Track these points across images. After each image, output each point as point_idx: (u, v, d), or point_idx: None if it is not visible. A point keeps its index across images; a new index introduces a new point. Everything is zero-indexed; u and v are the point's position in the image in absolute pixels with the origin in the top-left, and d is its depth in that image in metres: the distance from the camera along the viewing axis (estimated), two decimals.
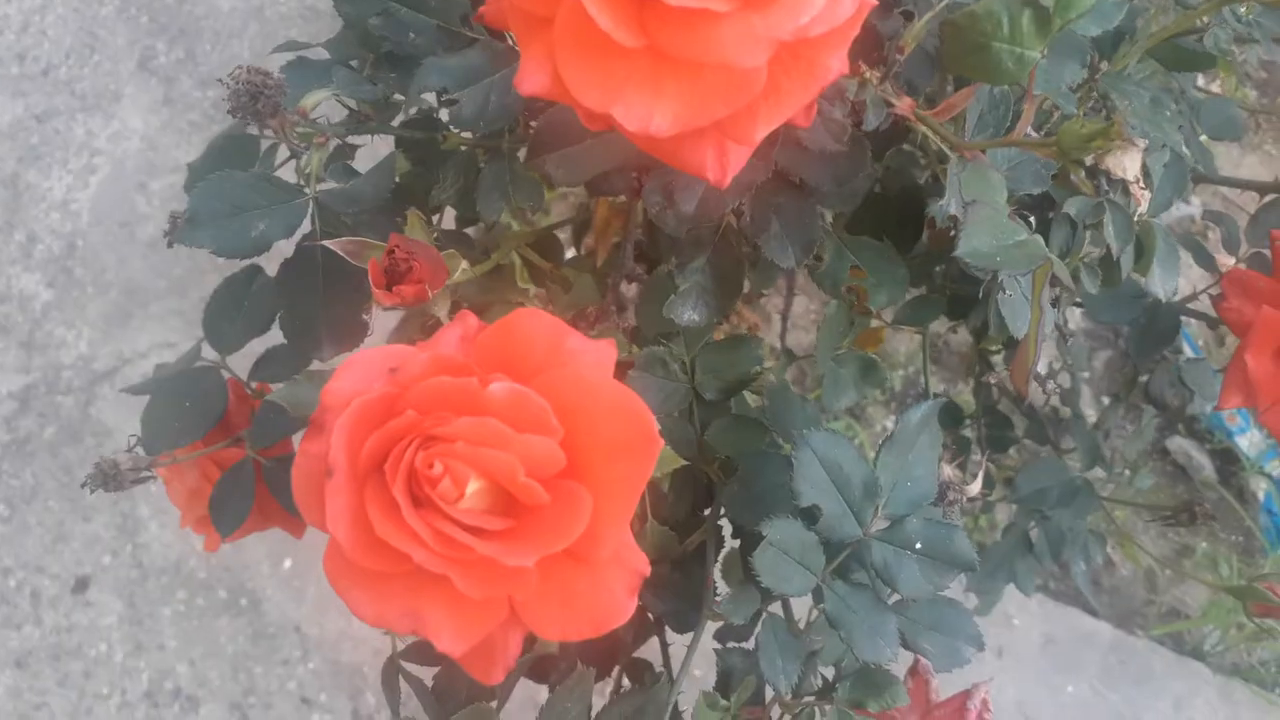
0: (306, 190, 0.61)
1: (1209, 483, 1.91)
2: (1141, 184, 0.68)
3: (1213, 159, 1.00)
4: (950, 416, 0.96)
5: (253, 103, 0.50)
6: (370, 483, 0.38)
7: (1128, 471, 1.18)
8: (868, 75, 0.53)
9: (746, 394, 0.71)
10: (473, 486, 0.38)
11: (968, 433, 0.95)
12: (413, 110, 0.66)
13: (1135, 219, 0.70)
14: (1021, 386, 0.52)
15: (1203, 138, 0.98)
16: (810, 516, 0.60)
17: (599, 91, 0.43)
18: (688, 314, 0.64)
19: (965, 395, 1.47)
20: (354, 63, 0.66)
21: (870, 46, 0.55)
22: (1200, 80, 1.23)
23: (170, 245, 0.60)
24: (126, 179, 1.81)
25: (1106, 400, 1.82)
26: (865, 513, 0.59)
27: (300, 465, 0.39)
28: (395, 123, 0.66)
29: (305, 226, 0.63)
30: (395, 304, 0.58)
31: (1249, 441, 1.92)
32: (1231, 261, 0.89)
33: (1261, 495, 1.94)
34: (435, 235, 0.75)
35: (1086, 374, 1.39)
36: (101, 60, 1.84)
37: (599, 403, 0.42)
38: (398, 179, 0.63)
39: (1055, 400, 1.00)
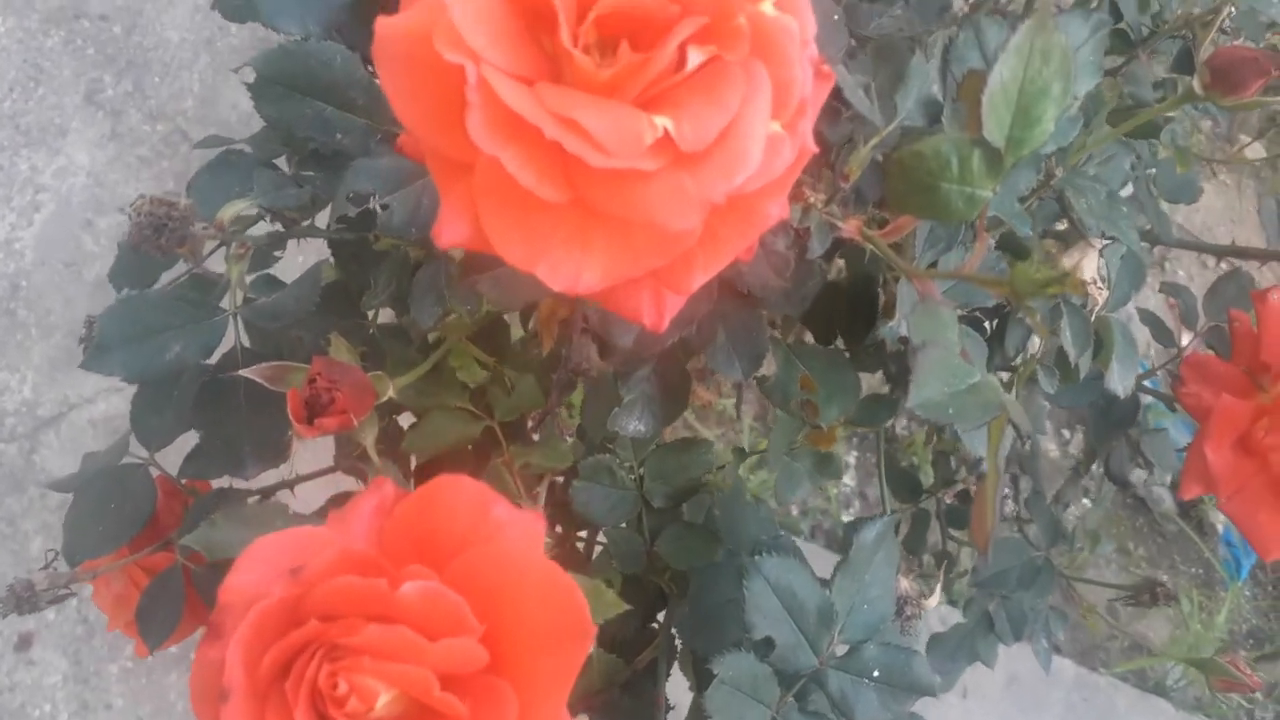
0: (225, 306, 0.57)
1: (1168, 515, 1.91)
2: (1099, 283, 0.66)
3: (1169, 222, 0.98)
4: (907, 489, 0.94)
5: (156, 236, 0.47)
6: (272, 701, 0.35)
7: (1085, 543, 1.16)
8: (812, 200, 0.50)
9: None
10: (383, 700, 0.35)
11: (926, 506, 0.93)
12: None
13: (1092, 317, 0.68)
14: (981, 545, 0.50)
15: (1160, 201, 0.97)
16: (764, 645, 0.57)
17: (523, 247, 0.40)
18: (633, 425, 0.61)
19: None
20: (279, 160, 0.63)
21: (816, 157, 0.52)
22: None
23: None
24: (72, 217, 1.75)
25: (1067, 434, 1.81)
26: (821, 641, 0.57)
27: (198, 675, 0.36)
28: (323, 223, 0.62)
29: (228, 341, 0.60)
30: (317, 436, 0.54)
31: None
32: (1186, 340, 0.88)
33: (1220, 528, 1.94)
34: (371, 330, 0.72)
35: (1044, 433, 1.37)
36: (46, 93, 1.79)
37: (526, 585, 0.39)
38: (327, 283, 0.59)
39: (1014, 467, 0.98)
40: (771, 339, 0.60)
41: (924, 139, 0.44)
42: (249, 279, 0.64)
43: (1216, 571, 1.95)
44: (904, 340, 0.50)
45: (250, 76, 0.59)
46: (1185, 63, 0.70)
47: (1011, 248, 0.60)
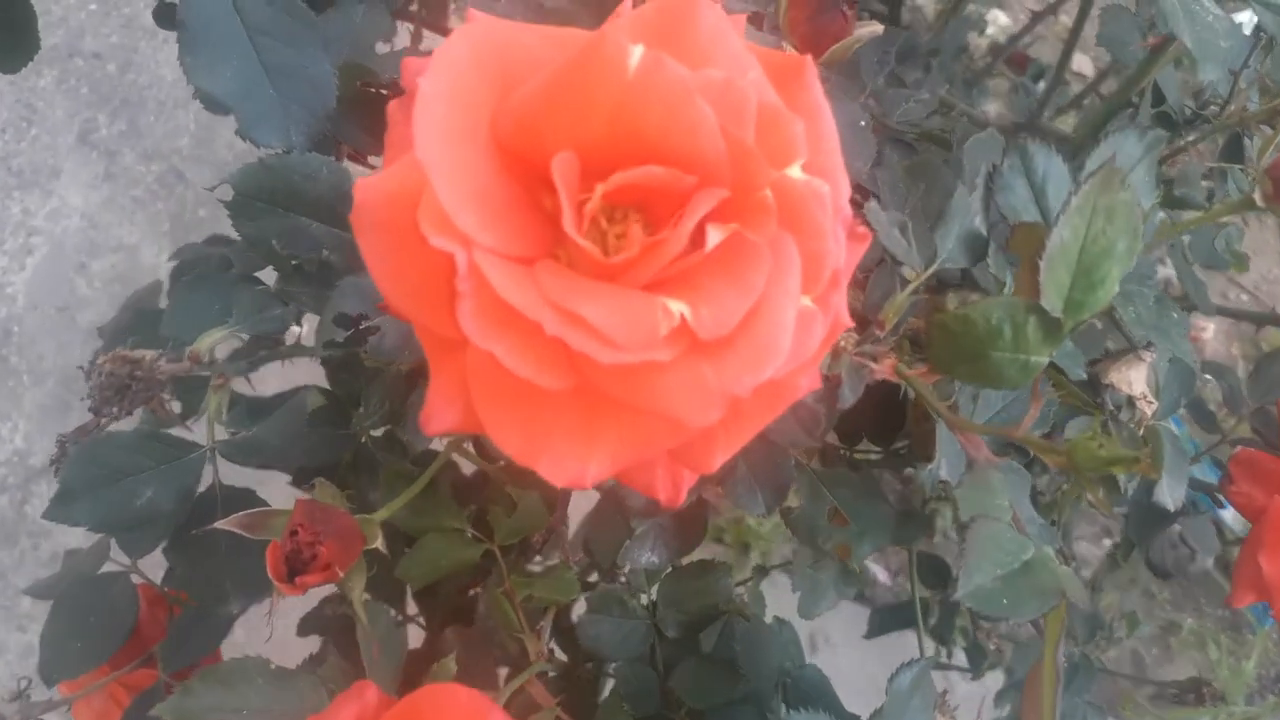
0: (202, 443, 0.53)
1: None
2: (1149, 397, 0.61)
3: (1206, 289, 0.93)
4: (936, 575, 0.89)
5: (119, 399, 0.42)
6: None
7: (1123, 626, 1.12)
8: (843, 344, 0.45)
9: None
10: None
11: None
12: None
13: (1141, 429, 0.63)
14: None
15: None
16: None
17: (522, 439, 0.35)
18: (645, 557, 0.57)
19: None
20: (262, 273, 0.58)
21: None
22: None
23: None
24: (66, 260, 1.71)
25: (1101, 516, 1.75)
26: None
27: None
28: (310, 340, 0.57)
29: (206, 479, 0.55)
30: (302, 594, 0.50)
31: (1234, 516, 1.86)
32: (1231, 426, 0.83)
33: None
34: (364, 439, 0.67)
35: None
36: (39, 134, 1.75)
37: None
38: (313, 410, 0.54)
39: None
40: (796, 464, 0.55)
41: (971, 304, 0.39)
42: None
43: (1244, 615, 1.90)
44: (944, 485, 0.45)
45: (227, 193, 0.54)
46: (1235, 152, 0.65)
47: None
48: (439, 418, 0.36)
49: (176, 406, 0.58)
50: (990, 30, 1.69)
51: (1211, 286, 0.89)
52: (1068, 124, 1.29)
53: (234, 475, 0.58)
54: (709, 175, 0.35)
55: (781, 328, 0.34)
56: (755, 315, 0.34)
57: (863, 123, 0.54)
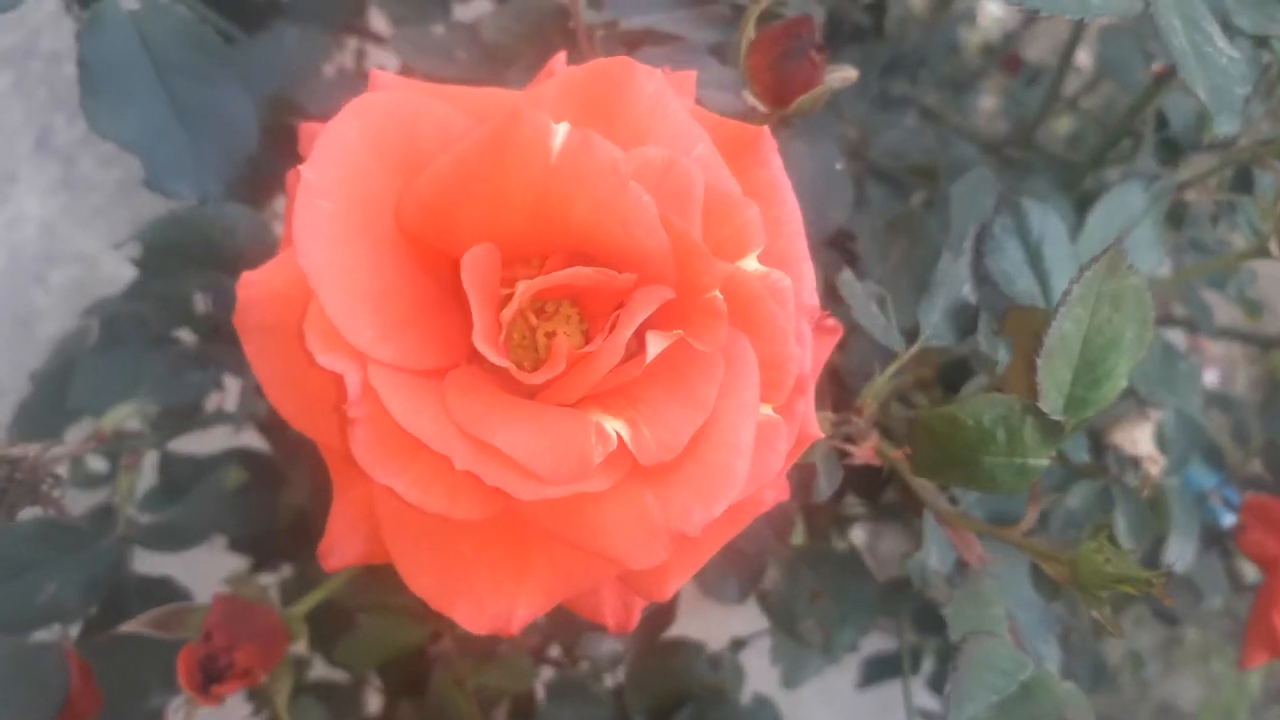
0: (115, 528, 0.47)
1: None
2: (1155, 456, 0.56)
3: (1210, 312, 0.88)
4: (932, 623, 0.84)
5: None
6: None
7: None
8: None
9: None
10: None
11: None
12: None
13: (1147, 490, 0.58)
14: None
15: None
16: None
17: (436, 579, 0.30)
18: (607, 646, 0.52)
19: None
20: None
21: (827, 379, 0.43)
22: None
23: None
24: (23, 270, 1.65)
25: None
26: None
27: None
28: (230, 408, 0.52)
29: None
30: (217, 705, 0.45)
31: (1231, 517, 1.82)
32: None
33: (1249, 571, 1.84)
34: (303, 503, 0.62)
35: None
36: None
37: None
38: (234, 488, 0.49)
39: None
40: (780, 540, 0.50)
41: (959, 404, 0.34)
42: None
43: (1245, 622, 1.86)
44: (946, 583, 0.41)
45: (135, 249, 0.49)
46: (1245, 183, 0.59)
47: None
48: (340, 549, 0.31)
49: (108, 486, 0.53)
50: (983, 23, 1.64)
51: (1217, 305, 0.84)
52: (1064, 126, 1.24)
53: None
54: (649, 272, 0.29)
55: (736, 449, 0.29)
56: (705, 435, 0.29)
57: (839, 165, 0.49)
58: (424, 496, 0.28)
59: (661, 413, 0.29)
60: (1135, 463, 0.56)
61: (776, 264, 0.30)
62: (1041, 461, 0.35)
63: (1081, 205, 0.61)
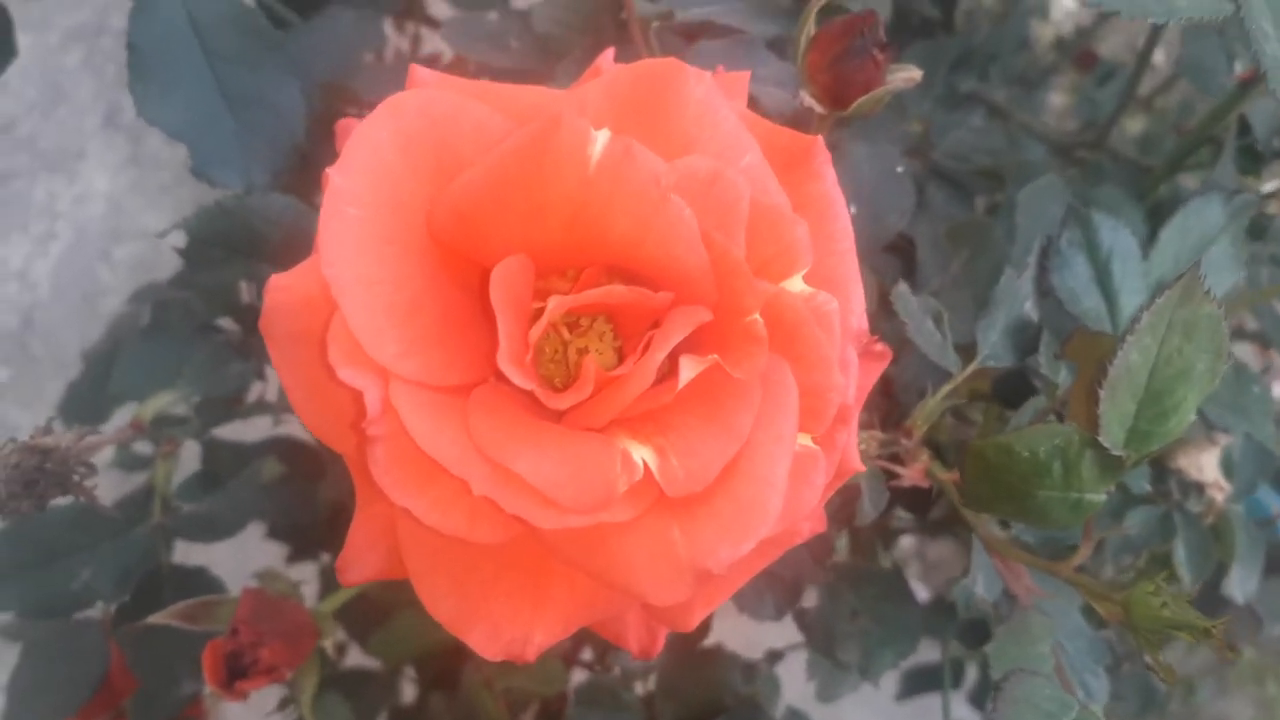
0: (151, 516, 0.47)
1: None
2: (1221, 483, 0.53)
3: None
4: (975, 636, 0.81)
5: (27, 494, 0.37)
6: None
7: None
8: (863, 446, 0.38)
9: None
10: None
11: None
12: None
13: (1211, 518, 0.55)
14: None
15: None
16: None
17: (453, 602, 0.29)
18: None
19: None
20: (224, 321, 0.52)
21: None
22: None
23: None
24: (89, 246, 1.68)
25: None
26: None
27: None
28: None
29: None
30: (242, 700, 0.44)
31: None
32: None
33: None
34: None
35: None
36: (66, 116, 1.71)
37: None
38: (270, 480, 0.49)
39: None
40: (820, 566, 0.48)
41: (1014, 433, 0.32)
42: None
43: None
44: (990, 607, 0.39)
45: (180, 238, 0.49)
46: None
47: None
48: (359, 564, 0.30)
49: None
50: (1056, 16, 1.59)
51: None
52: (1136, 126, 1.19)
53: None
54: (688, 290, 0.28)
55: (769, 484, 0.27)
56: (738, 467, 0.27)
57: (900, 169, 0.47)
58: (442, 519, 0.27)
59: (692, 442, 0.27)
60: (1199, 489, 0.53)
61: (824, 285, 0.29)
62: (1099, 497, 0.33)
63: (1155, 214, 0.59)
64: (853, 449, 0.30)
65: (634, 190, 0.27)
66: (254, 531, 0.67)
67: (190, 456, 0.61)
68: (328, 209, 0.26)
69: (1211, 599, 0.65)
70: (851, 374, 0.29)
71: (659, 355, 0.27)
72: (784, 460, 0.27)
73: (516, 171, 0.27)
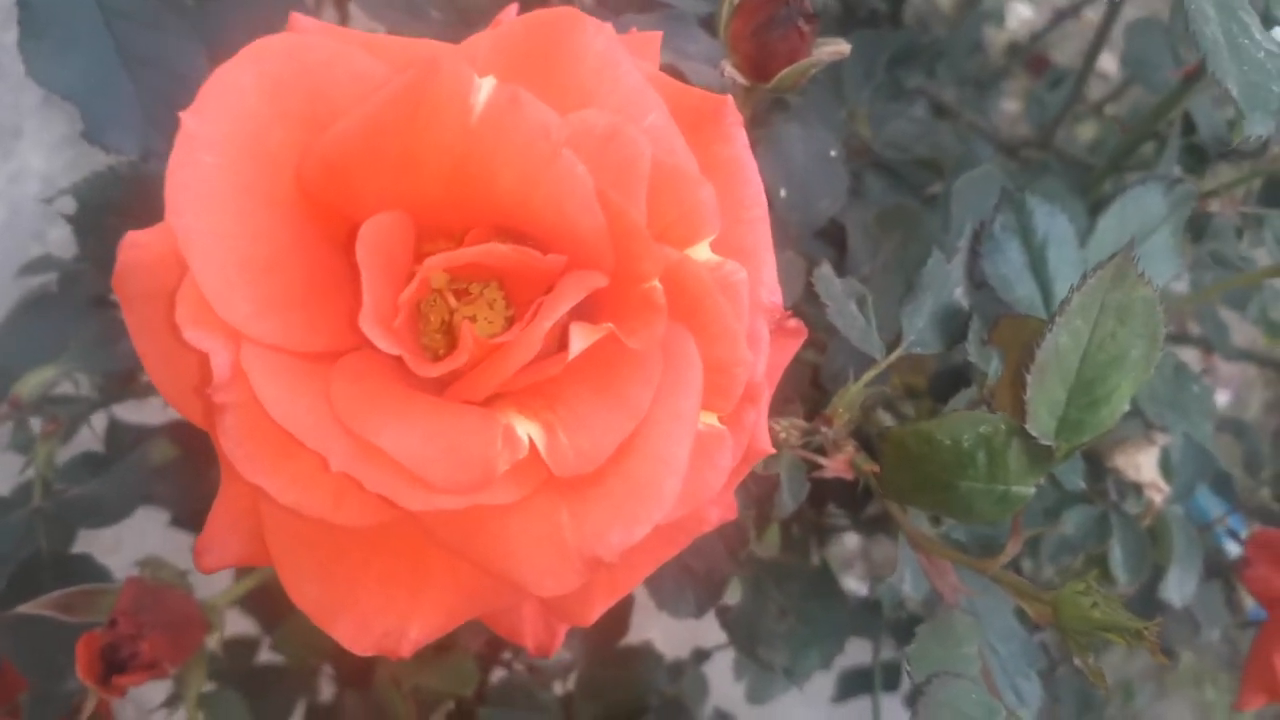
0: (30, 499, 0.44)
1: None
2: (1159, 484, 0.52)
3: (1228, 331, 0.83)
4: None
5: None
6: None
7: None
8: (784, 435, 0.36)
9: None
10: None
11: None
12: None
13: (1149, 519, 0.54)
14: None
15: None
16: None
17: (319, 589, 0.27)
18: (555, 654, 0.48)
19: None
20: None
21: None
22: None
23: None
24: (23, 226, 1.62)
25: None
26: None
27: None
28: None
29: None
30: (119, 696, 0.41)
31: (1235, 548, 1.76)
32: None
33: (1250, 604, 1.79)
34: None
35: None
36: (3, 93, 1.65)
37: None
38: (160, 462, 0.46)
39: None
40: (734, 558, 0.46)
41: (936, 420, 0.30)
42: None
43: (1243, 650, 1.81)
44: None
45: (70, 205, 0.46)
46: (1275, 196, 0.55)
47: None
48: (218, 548, 0.28)
49: None
50: (1011, 24, 1.59)
51: (1235, 325, 0.80)
52: (1088, 132, 1.19)
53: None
54: (582, 254, 0.26)
55: (667, 464, 0.25)
56: (633, 446, 0.25)
57: (833, 153, 0.45)
58: (301, 499, 0.24)
59: (584, 417, 0.25)
60: (1137, 489, 0.52)
61: (732, 254, 0.27)
62: (1026, 490, 0.31)
63: (1097, 211, 0.57)
64: (762, 430, 0.28)
65: (521, 143, 0.24)
66: (158, 519, 0.63)
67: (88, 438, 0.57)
68: (178, 155, 0.24)
69: (1148, 602, 0.64)
70: (761, 349, 0.27)
71: (546, 323, 0.24)
72: (684, 439, 0.25)
73: (393, 120, 0.24)
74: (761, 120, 0.47)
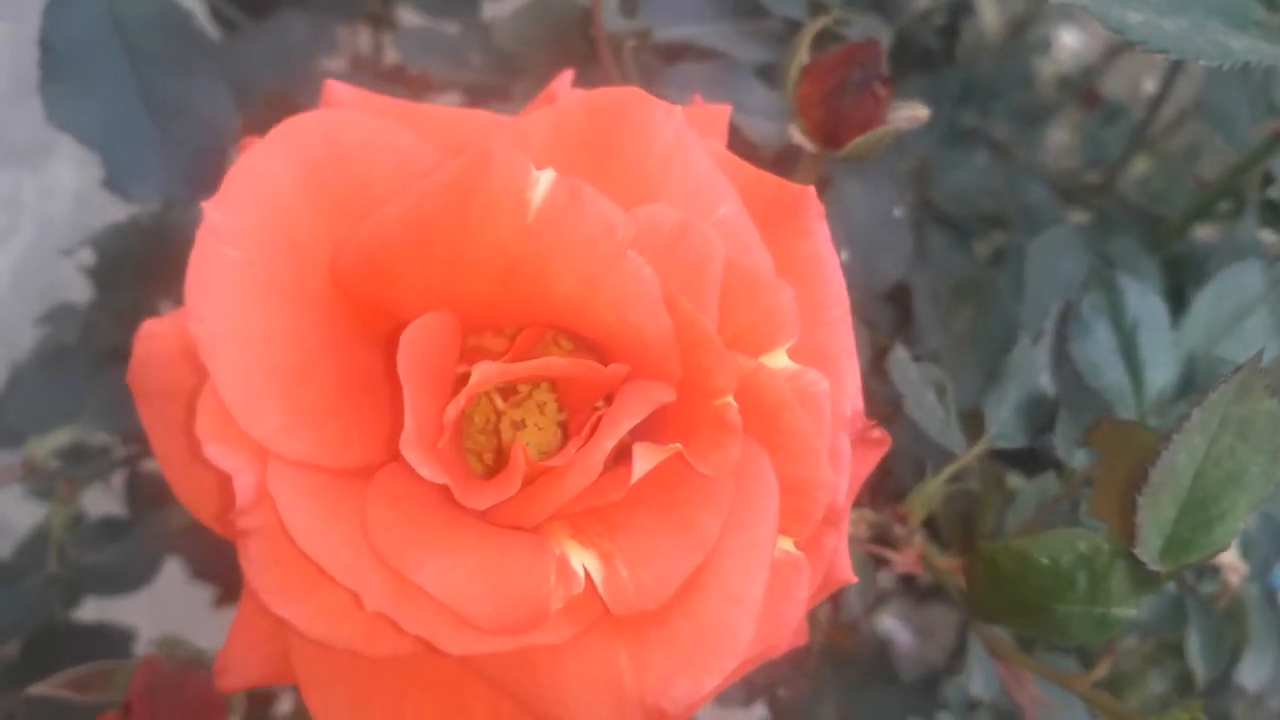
0: (45, 566, 0.42)
1: None
2: (1236, 565, 0.49)
3: None
4: None
5: None
6: None
7: None
8: (851, 530, 0.33)
9: None
10: None
11: None
12: None
13: (1225, 601, 0.50)
14: None
15: None
16: None
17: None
18: None
19: None
20: None
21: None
22: None
23: None
24: (53, 242, 1.62)
25: None
26: None
27: None
28: None
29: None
30: None
31: None
32: None
33: None
34: None
35: None
36: (37, 108, 1.65)
37: None
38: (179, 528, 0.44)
39: None
40: (798, 670, 0.43)
41: (1031, 538, 0.27)
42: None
43: None
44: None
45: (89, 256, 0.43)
46: None
47: None
48: (239, 667, 0.25)
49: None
50: (1059, 54, 1.55)
51: None
52: (1141, 168, 1.15)
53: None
54: (646, 363, 0.23)
55: (740, 603, 0.22)
56: (702, 580, 0.22)
57: (897, 212, 0.42)
58: (331, 632, 0.22)
59: (646, 548, 0.22)
60: (1214, 570, 0.49)
61: (812, 360, 0.24)
62: (1128, 612, 0.28)
63: (1171, 268, 0.54)
64: (843, 556, 0.25)
65: (581, 243, 0.22)
66: (177, 573, 0.61)
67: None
68: (200, 251, 0.21)
69: (1219, 685, 0.60)
70: (843, 467, 0.24)
71: (607, 443, 0.22)
72: (759, 573, 0.22)
73: (440, 214, 0.22)
74: (819, 175, 0.45)
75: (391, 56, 0.69)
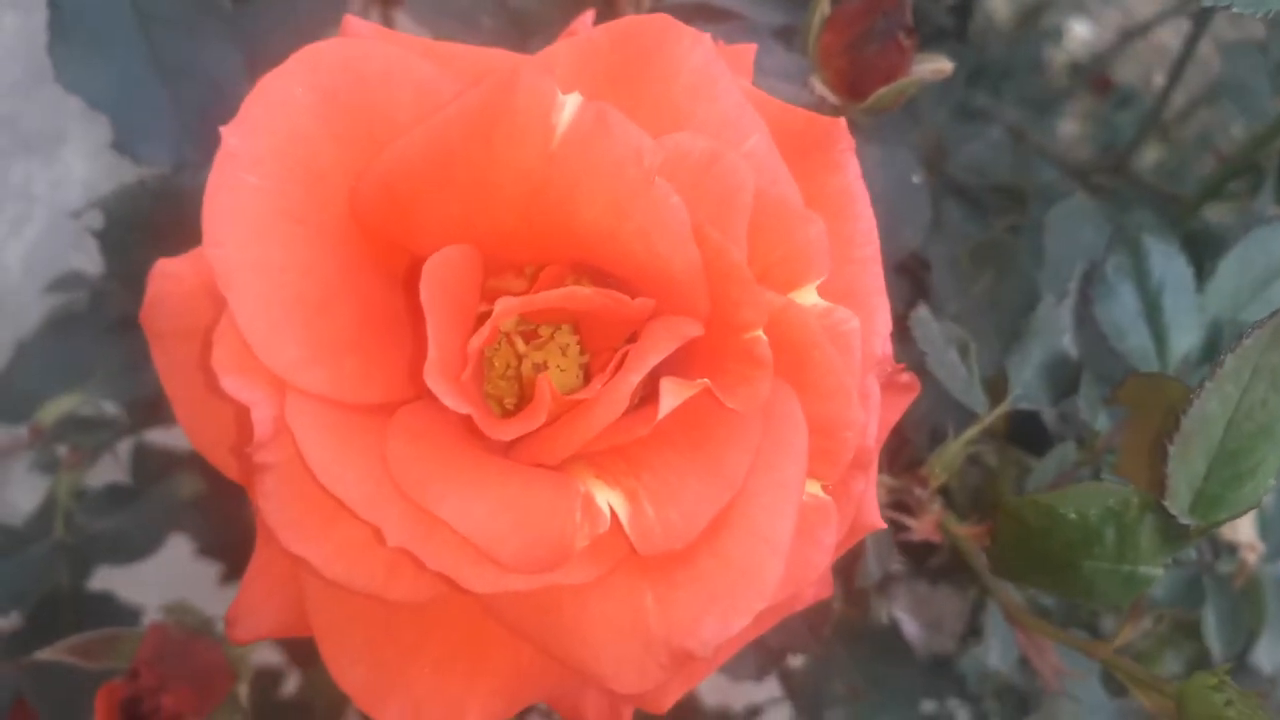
0: (51, 533, 0.41)
1: None
2: (1255, 544, 0.48)
3: None
4: None
5: None
6: None
7: None
8: None
9: None
10: None
11: None
12: None
13: (1241, 580, 0.50)
14: None
15: None
16: None
17: (364, 670, 0.23)
18: None
19: None
20: None
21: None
22: None
23: None
24: (64, 231, 1.62)
25: None
26: None
27: None
28: None
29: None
30: None
31: None
32: None
33: None
34: None
35: None
36: (49, 97, 1.64)
37: None
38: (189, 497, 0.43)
39: None
40: (815, 635, 0.42)
41: (1058, 492, 0.26)
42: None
43: None
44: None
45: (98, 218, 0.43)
46: None
47: None
48: (252, 617, 0.25)
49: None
50: (1070, 44, 1.54)
51: None
52: (1153, 154, 1.15)
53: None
54: (673, 297, 0.22)
55: (769, 542, 0.22)
56: (729, 520, 0.22)
57: (916, 178, 0.41)
58: (350, 572, 0.21)
59: (673, 486, 0.22)
60: (1231, 548, 0.48)
61: (842, 298, 0.23)
62: (1155, 570, 0.27)
63: (1188, 245, 0.53)
64: (871, 500, 0.25)
65: (608, 169, 0.21)
66: (184, 548, 0.60)
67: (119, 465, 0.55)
68: (218, 177, 0.21)
69: (1234, 669, 0.60)
70: (873, 409, 0.24)
71: (634, 377, 0.21)
72: (788, 513, 0.22)
73: (462, 140, 0.21)
74: None
75: (402, 26, 0.68)
